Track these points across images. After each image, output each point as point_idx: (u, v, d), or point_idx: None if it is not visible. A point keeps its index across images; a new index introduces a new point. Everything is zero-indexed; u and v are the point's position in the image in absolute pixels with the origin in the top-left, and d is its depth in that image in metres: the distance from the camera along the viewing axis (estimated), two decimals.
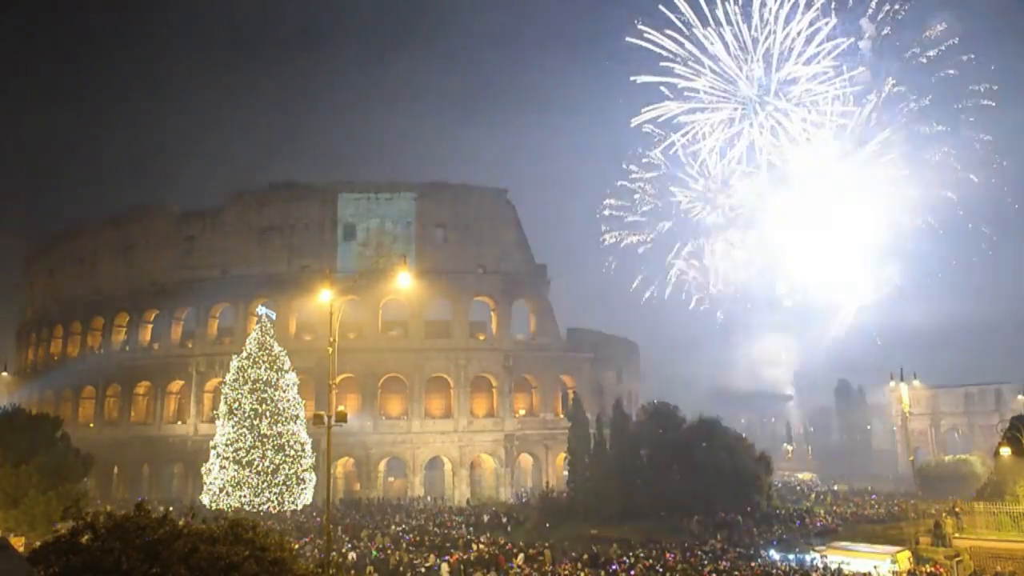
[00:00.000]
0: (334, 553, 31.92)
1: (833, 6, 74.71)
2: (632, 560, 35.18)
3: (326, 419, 24.48)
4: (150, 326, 78.49)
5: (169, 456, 71.34)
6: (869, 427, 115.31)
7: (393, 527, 47.54)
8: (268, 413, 52.18)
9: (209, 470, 52.31)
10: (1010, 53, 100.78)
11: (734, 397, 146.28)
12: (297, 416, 53.53)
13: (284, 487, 51.24)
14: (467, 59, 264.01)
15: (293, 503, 51.37)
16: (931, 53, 75.07)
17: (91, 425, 76.24)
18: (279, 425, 52.23)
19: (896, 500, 60.09)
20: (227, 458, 51.31)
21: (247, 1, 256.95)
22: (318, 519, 46.92)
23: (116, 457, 70.38)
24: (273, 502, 50.47)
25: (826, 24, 73.98)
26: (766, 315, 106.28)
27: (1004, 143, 79.64)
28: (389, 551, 38.53)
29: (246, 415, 51.97)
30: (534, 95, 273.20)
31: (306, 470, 52.75)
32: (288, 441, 52.21)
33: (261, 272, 73.52)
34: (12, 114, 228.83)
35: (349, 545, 39.88)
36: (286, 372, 54.21)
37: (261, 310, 57.39)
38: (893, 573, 33.93)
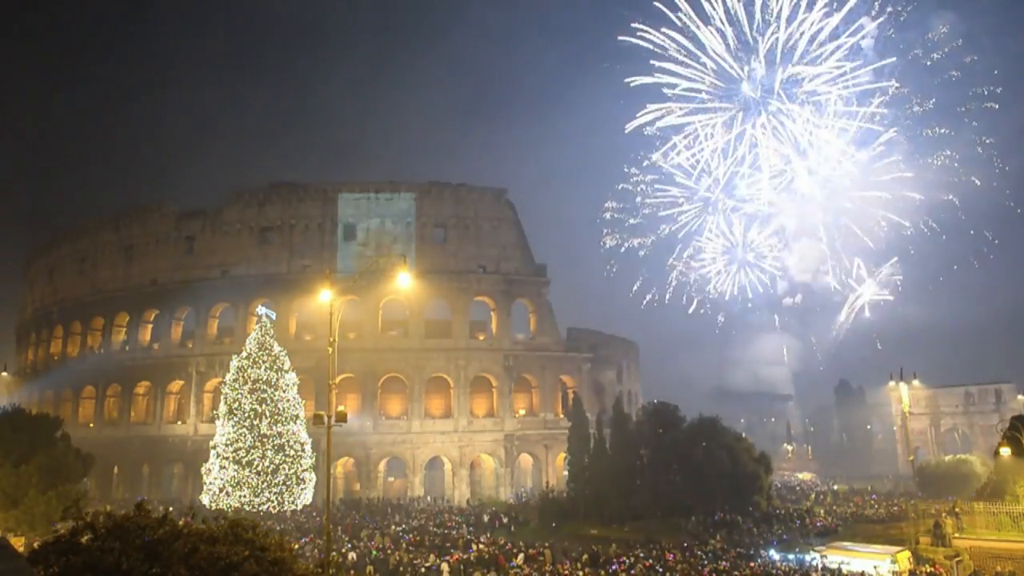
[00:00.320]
0: (334, 553, 31.87)
1: (835, 6, 74.88)
2: (632, 560, 35.20)
3: (326, 419, 24.45)
4: (150, 326, 78.49)
5: (169, 456, 71.41)
6: (869, 427, 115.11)
7: (393, 527, 47.59)
8: (268, 413, 52.15)
9: (209, 470, 52.29)
10: (1013, 55, 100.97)
11: (734, 397, 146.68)
12: (297, 416, 53.50)
13: (284, 487, 51.20)
14: (467, 59, 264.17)
15: (293, 503, 51.35)
16: (935, 55, 75.17)
17: (91, 425, 76.31)
18: (279, 425, 52.19)
19: (896, 500, 59.95)
20: (227, 458, 51.28)
21: (247, 1, 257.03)
22: (318, 519, 46.94)
23: (116, 457, 70.45)
24: (273, 502, 50.44)
25: (827, 24, 74.15)
26: (766, 315, 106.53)
27: (1007, 145, 79.85)
28: (389, 551, 38.56)
29: (246, 415, 51.95)
30: (534, 95, 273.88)
31: (306, 470, 52.73)
32: (288, 441, 52.18)
33: (261, 272, 73.56)
34: (12, 114, 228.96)
35: (349, 545, 39.90)
36: (286, 372, 54.18)
37: (261, 310, 57.42)
38: (893, 573, 33.86)
